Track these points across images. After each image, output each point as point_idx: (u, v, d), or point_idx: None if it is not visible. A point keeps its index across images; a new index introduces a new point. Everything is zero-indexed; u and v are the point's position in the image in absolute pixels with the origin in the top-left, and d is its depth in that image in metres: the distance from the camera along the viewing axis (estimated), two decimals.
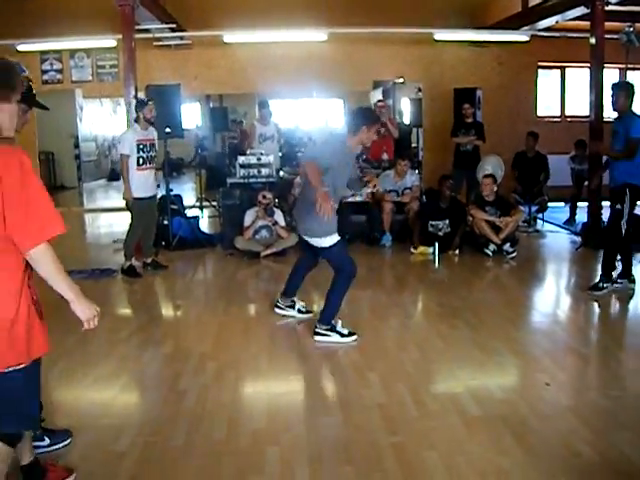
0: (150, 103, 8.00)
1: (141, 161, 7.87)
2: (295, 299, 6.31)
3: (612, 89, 6.86)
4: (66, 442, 3.71)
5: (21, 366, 2.73)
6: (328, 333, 5.59)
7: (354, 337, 5.58)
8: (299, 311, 6.26)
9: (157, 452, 3.73)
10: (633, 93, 6.81)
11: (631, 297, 6.99)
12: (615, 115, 6.96)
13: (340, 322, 5.64)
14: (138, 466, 3.56)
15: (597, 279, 7.04)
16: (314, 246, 5.71)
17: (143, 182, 7.92)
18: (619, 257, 7.05)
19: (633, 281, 7.07)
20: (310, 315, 6.20)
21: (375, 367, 5.01)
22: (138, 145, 7.83)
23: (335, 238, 5.56)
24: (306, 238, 5.74)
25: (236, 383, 4.74)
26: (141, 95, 9.11)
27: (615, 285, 7.01)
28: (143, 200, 7.97)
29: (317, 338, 5.60)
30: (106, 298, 7.13)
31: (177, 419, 4.12)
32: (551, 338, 5.84)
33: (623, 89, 6.81)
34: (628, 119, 6.71)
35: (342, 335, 5.59)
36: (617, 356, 5.37)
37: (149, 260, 8.35)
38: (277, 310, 6.32)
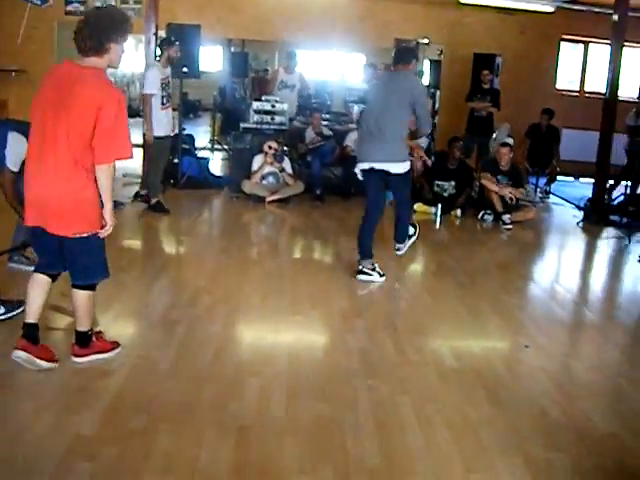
0: (177, 43, 7.99)
1: (164, 100, 7.90)
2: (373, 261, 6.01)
3: None
4: (20, 310, 4.20)
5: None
6: (371, 273, 5.87)
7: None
8: (379, 274, 5.95)
9: (143, 373, 3.89)
10: None
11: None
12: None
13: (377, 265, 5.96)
14: (124, 384, 3.73)
15: None
16: (386, 177, 5.81)
17: (166, 121, 7.98)
18: None
19: None
20: (384, 278, 5.97)
21: (363, 315, 5.18)
22: (162, 84, 7.83)
23: (409, 165, 5.86)
24: (384, 165, 5.74)
25: (227, 317, 4.87)
26: (162, 33, 9.11)
27: None
28: (164, 139, 8.02)
29: (360, 277, 5.90)
30: None
31: (166, 346, 4.28)
32: (538, 305, 5.98)
33: None
34: None
35: (380, 275, 5.90)
36: (603, 329, 5.47)
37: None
38: (361, 277, 5.91)
